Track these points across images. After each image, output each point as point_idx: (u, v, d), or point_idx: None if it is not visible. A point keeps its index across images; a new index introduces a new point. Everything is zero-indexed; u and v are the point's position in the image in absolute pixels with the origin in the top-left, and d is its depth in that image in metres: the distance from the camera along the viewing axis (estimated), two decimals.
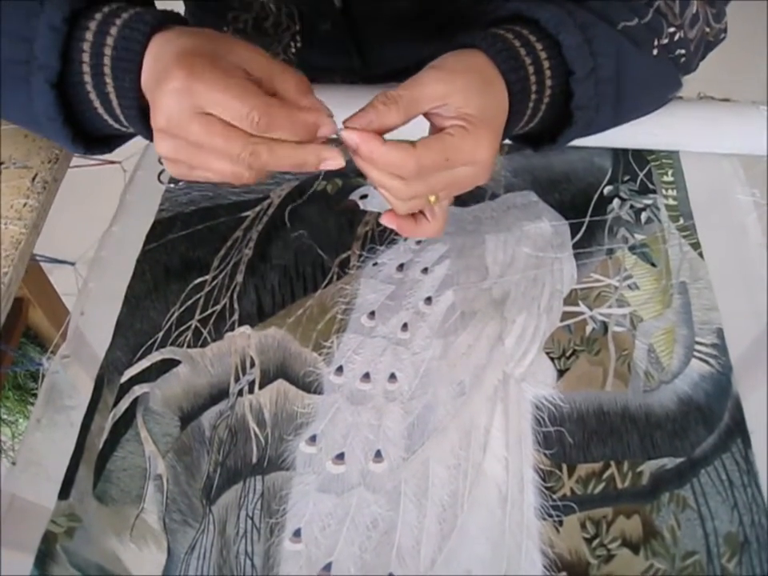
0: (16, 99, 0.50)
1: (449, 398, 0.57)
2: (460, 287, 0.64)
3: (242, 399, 0.58)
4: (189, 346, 0.61)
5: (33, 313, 0.93)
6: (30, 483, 0.55)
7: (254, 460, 0.55)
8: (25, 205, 0.62)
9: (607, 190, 0.70)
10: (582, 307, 0.63)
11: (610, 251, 0.66)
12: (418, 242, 0.67)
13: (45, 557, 0.51)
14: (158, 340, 0.61)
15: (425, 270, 0.65)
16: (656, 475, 0.54)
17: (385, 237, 0.67)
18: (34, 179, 0.64)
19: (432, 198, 0.50)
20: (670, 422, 0.56)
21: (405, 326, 0.61)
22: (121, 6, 0.49)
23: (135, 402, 0.58)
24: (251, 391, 0.58)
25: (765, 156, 0.70)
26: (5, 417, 0.99)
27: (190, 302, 0.63)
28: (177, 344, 0.61)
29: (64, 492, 0.54)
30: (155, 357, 0.60)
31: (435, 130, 0.50)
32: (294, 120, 0.44)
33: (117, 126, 0.51)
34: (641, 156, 0.73)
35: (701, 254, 0.66)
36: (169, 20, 0.49)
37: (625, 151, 0.73)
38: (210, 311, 0.63)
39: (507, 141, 0.71)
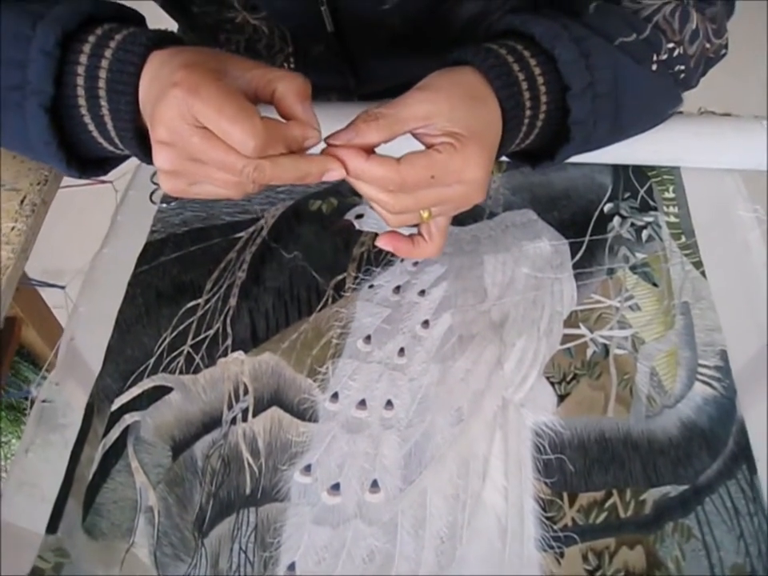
0: (11, 125, 0.49)
1: (447, 426, 0.56)
2: (458, 310, 0.62)
3: (235, 428, 0.57)
4: (181, 373, 0.60)
5: (26, 332, 0.92)
6: (23, 505, 0.54)
7: (248, 491, 0.54)
8: (13, 229, 0.61)
9: (607, 207, 0.69)
10: (583, 329, 0.61)
11: (611, 271, 0.65)
12: (415, 264, 0.65)
13: None
14: (150, 366, 0.60)
15: (422, 293, 0.63)
16: (659, 504, 0.52)
17: (381, 258, 0.66)
18: (22, 202, 0.62)
19: (425, 215, 0.49)
20: (673, 448, 0.55)
21: (401, 351, 0.60)
22: (114, 27, 0.48)
23: (126, 431, 0.57)
24: (245, 419, 0.57)
25: (767, 171, 0.69)
26: None
27: (182, 327, 0.62)
28: (169, 370, 0.60)
29: (52, 526, 0.53)
30: (147, 384, 0.59)
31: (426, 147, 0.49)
32: (287, 139, 0.44)
33: (111, 148, 0.50)
34: (641, 172, 0.72)
35: (703, 273, 0.64)
36: (164, 40, 0.48)
37: (625, 167, 0.72)
38: (202, 336, 0.62)
39: (504, 158, 0.71)
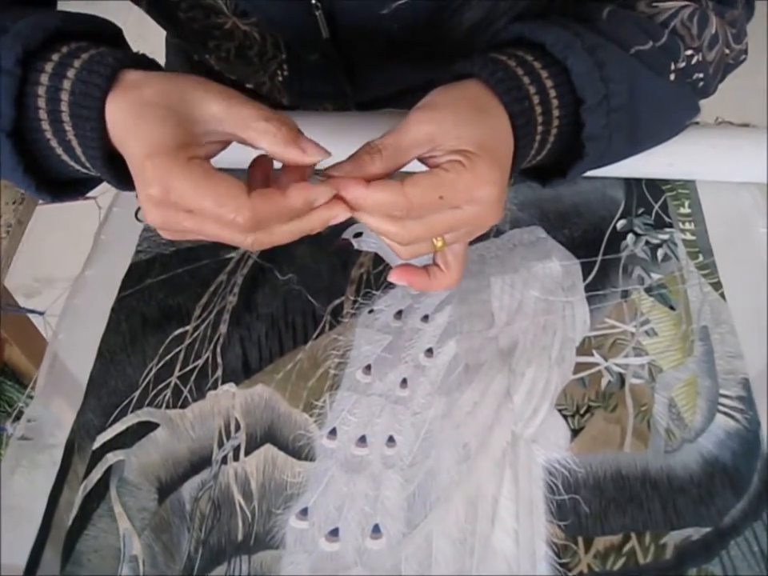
0: None
1: (453, 464, 0.52)
2: (463, 336, 0.59)
3: (226, 467, 0.53)
4: (168, 407, 0.56)
5: (9, 351, 0.88)
6: (8, 529, 0.51)
7: (240, 537, 0.50)
8: None
9: (620, 224, 0.65)
10: (597, 357, 0.58)
11: (625, 293, 0.61)
12: None
13: None
14: (135, 400, 0.56)
15: (425, 318, 0.60)
16: (681, 548, 0.49)
17: (381, 280, 0.62)
18: None
19: (438, 243, 0.46)
20: (694, 486, 0.51)
21: (404, 382, 0.56)
22: (82, 45, 0.44)
23: (108, 471, 0.53)
24: (236, 458, 0.53)
25: None
26: None
27: (169, 357, 0.58)
28: (155, 404, 0.56)
29: None
30: (131, 419, 0.55)
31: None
32: (281, 211, 0.41)
33: (85, 171, 0.46)
34: (655, 186, 0.68)
35: (722, 295, 0.61)
36: (134, 62, 0.44)
37: (638, 181, 0.68)
38: (190, 366, 0.58)
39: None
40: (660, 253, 0.63)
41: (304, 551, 0.49)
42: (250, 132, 0.41)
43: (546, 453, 0.53)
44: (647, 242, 0.64)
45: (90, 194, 0.59)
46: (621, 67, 0.50)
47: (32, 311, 0.59)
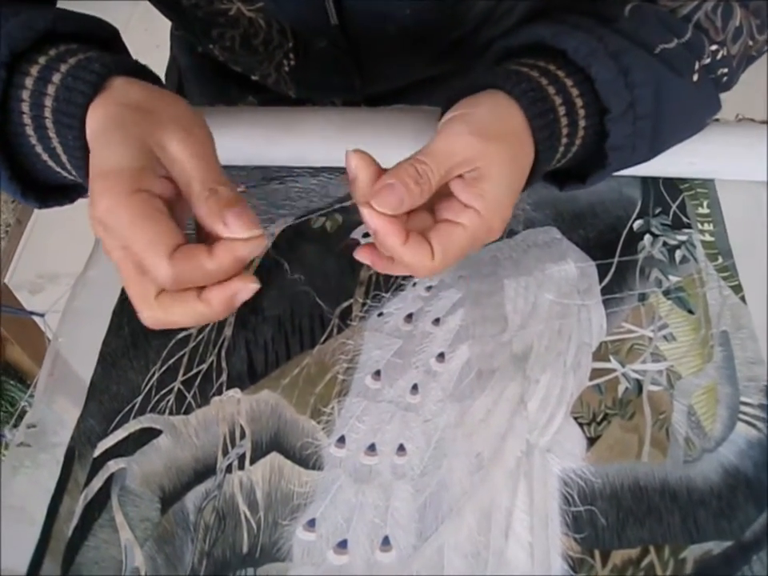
0: None
1: (465, 474, 0.51)
2: (476, 341, 0.57)
3: (230, 476, 0.51)
4: (171, 413, 0.54)
5: (11, 350, 0.87)
6: (10, 530, 0.50)
7: (245, 549, 0.49)
8: None
9: (637, 224, 0.63)
10: (614, 363, 0.56)
11: (643, 296, 0.59)
12: (428, 288, 0.60)
13: None
14: (137, 405, 0.55)
15: (436, 321, 0.58)
16: (701, 562, 0.47)
17: (391, 282, 0.60)
18: None
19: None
20: (714, 498, 0.50)
21: (414, 388, 0.54)
22: (71, 48, 0.42)
23: (110, 479, 0.52)
24: (241, 467, 0.52)
25: None
26: None
27: (172, 361, 0.57)
28: (158, 410, 0.54)
29: None
30: (133, 426, 0.54)
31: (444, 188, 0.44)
32: (205, 274, 0.37)
33: (72, 178, 0.44)
34: (673, 185, 0.66)
35: (743, 299, 0.59)
36: (122, 67, 0.42)
37: (655, 180, 0.66)
38: (194, 371, 0.56)
39: None
40: (678, 254, 0.61)
41: (311, 564, 0.48)
42: (186, 187, 0.39)
43: (561, 462, 0.51)
44: (665, 243, 0.62)
45: None
46: (646, 72, 0.48)
47: (32, 313, 0.57)
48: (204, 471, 0.52)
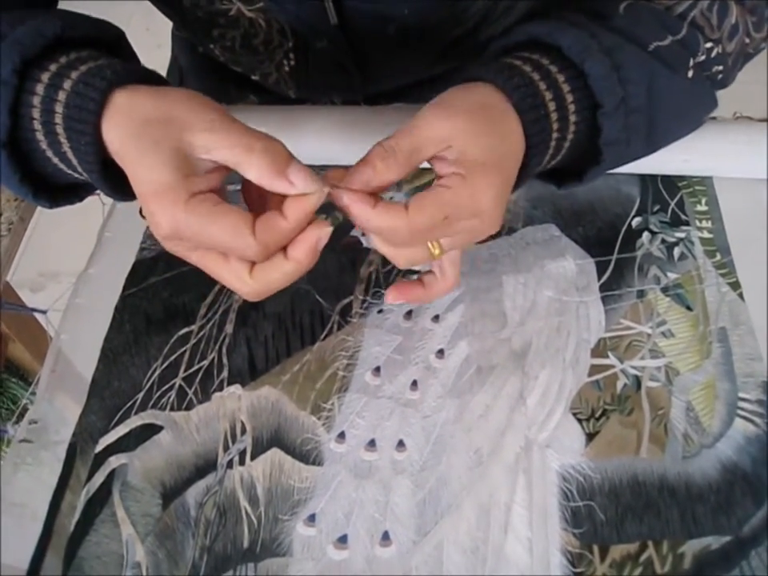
0: None
1: (464, 469, 0.51)
2: (475, 337, 0.57)
3: (231, 472, 0.52)
4: (172, 409, 0.55)
5: (13, 348, 0.87)
6: (11, 527, 0.50)
7: (246, 544, 0.49)
8: None
9: (636, 221, 0.64)
10: (612, 359, 0.56)
11: (641, 293, 0.59)
12: None
13: None
14: (138, 402, 0.55)
15: (436, 318, 0.58)
16: (699, 558, 0.47)
17: (391, 279, 0.60)
18: None
19: (435, 252, 0.44)
20: (713, 493, 0.50)
21: (414, 384, 0.55)
22: (81, 56, 0.42)
23: (111, 475, 0.52)
24: (242, 462, 0.52)
25: None
26: None
27: (173, 357, 0.57)
28: (159, 406, 0.55)
29: None
30: (134, 422, 0.54)
31: (435, 175, 0.44)
32: (285, 233, 0.41)
33: (83, 179, 0.45)
34: (671, 183, 0.66)
35: (741, 295, 0.59)
36: (131, 74, 0.42)
37: (653, 177, 0.67)
38: (196, 367, 0.56)
39: None
40: (676, 251, 0.62)
41: (311, 559, 0.48)
42: (236, 164, 0.40)
43: (560, 458, 0.51)
44: (663, 241, 0.62)
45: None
46: (639, 68, 0.48)
47: (35, 310, 0.57)
48: (205, 467, 0.52)
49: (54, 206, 0.47)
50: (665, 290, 0.60)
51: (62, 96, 0.40)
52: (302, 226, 0.41)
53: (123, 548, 0.49)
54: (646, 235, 0.63)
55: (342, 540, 0.48)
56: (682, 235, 0.63)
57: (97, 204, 0.72)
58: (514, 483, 0.50)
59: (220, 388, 0.55)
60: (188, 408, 0.55)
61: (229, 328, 0.58)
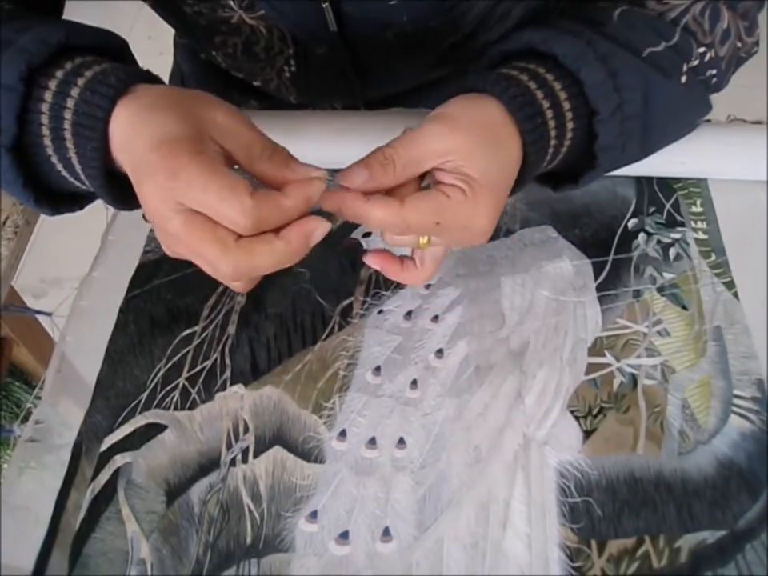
0: None
1: (464, 466, 0.52)
2: (474, 337, 0.58)
3: (234, 470, 0.52)
4: (176, 408, 0.55)
5: (17, 351, 0.88)
6: (15, 531, 0.51)
7: (249, 541, 0.50)
8: None
9: (632, 223, 0.65)
10: (609, 358, 0.57)
11: (637, 293, 0.60)
12: (427, 286, 0.61)
13: None
14: (142, 401, 0.56)
15: (435, 318, 0.59)
16: (696, 552, 0.48)
17: (391, 281, 0.61)
18: (4, 223, 0.58)
19: (423, 240, 0.45)
20: (708, 488, 0.51)
21: (414, 383, 0.56)
22: (86, 61, 0.43)
23: (116, 473, 0.53)
24: (245, 460, 0.53)
25: None
26: None
27: (177, 358, 0.58)
28: (163, 406, 0.55)
29: None
30: (139, 421, 0.55)
31: (433, 181, 0.45)
32: (283, 212, 0.40)
33: (84, 187, 0.46)
34: (666, 184, 0.67)
35: (736, 295, 0.60)
36: (138, 79, 0.43)
37: (649, 179, 0.68)
38: (199, 368, 0.57)
39: None
40: (672, 252, 0.63)
41: (314, 554, 0.49)
42: (247, 155, 0.41)
43: (558, 455, 0.52)
44: (659, 241, 0.63)
45: None
46: (634, 74, 0.49)
47: (40, 312, 0.58)
48: (208, 465, 0.53)
49: (55, 213, 0.48)
50: (660, 289, 0.60)
51: (70, 103, 0.41)
52: (300, 210, 0.41)
53: (128, 545, 0.50)
54: (641, 236, 0.64)
55: (344, 536, 0.49)
56: (678, 236, 0.64)
57: (97, 210, 0.73)
58: (513, 480, 0.51)
59: (223, 388, 0.56)
60: (191, 407, 0.55)
61: (231, 329, 0.59)
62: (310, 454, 0.53)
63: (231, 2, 0.59)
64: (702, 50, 0.54)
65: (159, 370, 0.57)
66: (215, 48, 0.67)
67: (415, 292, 0.61)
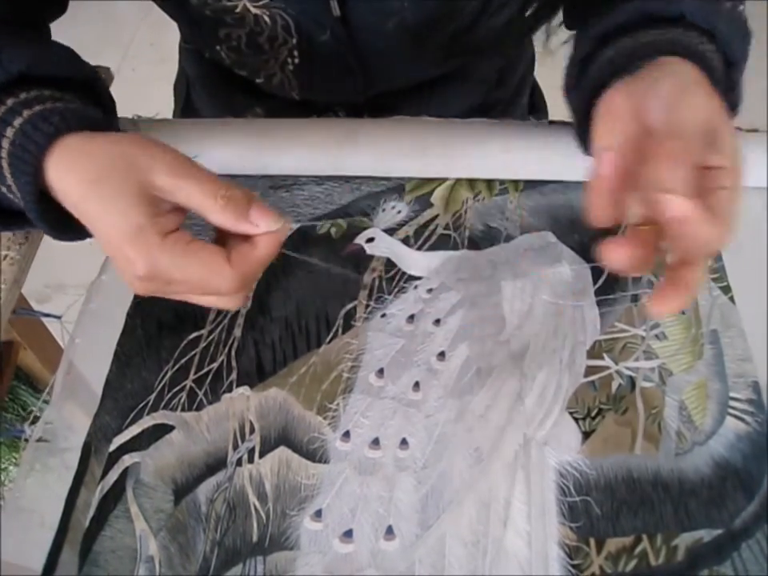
0: None
1: (465, 466, 0.53)
2: (475, 340, 0.59)
3: (240, 469, 0.53)
4: (183, 410, 0.56)
5: (23, 355, 0.89)
6: (21, 533, 0.51)
7: (255, 538, 0.51)
8: (5, 257, 0.57)
9: None
10: (607, 361, 0.58)
11: (635, 297, 0.61)
12: (429, 291, 0.62)
13: None
14: (150, 402, 0.57)
15: (437, 322, 0.60)
16: (692, 550, 0.49)
17: (393, 285, 0.63)
18: None
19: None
20: (705, 488, 0.52)
21: (416, 385, 0.57)
22: (42, 95, 0.44)
23: (125, 473, 0.54)
24: (251, 460, 0.54)
25: None
26: None
27: (184, 360, 0.59)
28: (170, 407, 0.57)
29: None
30: (147, 422, 0.56)
31: None
32: (260, 264, 0.44)
33: None
34: None
35: (732, 299, 0.61)
36: (85, 123, 0.44)
37: None
38: (205, 370, 0.58)
39: (524, 178, 0.67)
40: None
41: (318, 552, 0.50)
42: (200, 209, 0.42)
43: (557, 455, 0.53)
44: None
45: None
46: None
47: (49, 315, 0.59)
48: (215, 464, 0.54)
49: (6, 230, 0.49)
50: None
51: (9, 132, 0.42)
52: (274, 253, 0.43)
53: (137, 542, 0.51)
54: None
55: (348, 534, 0.50)
56: None
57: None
58: (513, 479, 0.52)
59: (229, 389, 0.57)
60: (198, 408, 0.57)
61: (237, 332, 0.61)
62: (314, 454, 0.54)
63: None
64: None
65: (167, 372, 0.58)
66: (219, 42, 0.68)
67: (417, 296, 0.62)
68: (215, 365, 0.59)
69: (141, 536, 0.51)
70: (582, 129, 0.54)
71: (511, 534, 0.50)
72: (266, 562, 0.50)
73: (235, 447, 0.55)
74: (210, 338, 0.60)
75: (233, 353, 0.59)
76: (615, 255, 0.42)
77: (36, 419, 0.56)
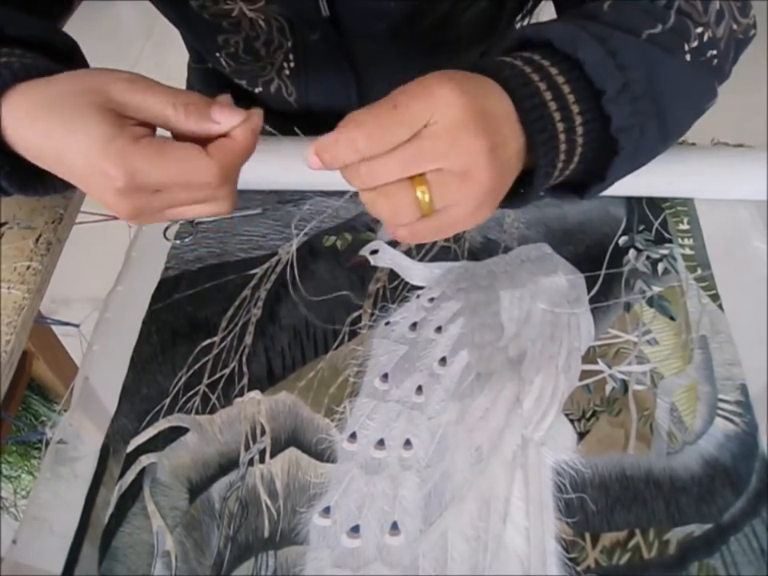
0: None
1: (466, 465, 0.55)
2: (475, 347, 0.62)
3: (252, 469, 0.56)
4: (197, 413, 0.59)
5: (36, 366, 0.92)
6: (34, 540, 0.53)
7: (266, 534, 0.53)
8: (28, 268, 0.60)
9: (622, 240, 0.69)
10: (601, 365, 0.61)
11: (628, 305, 0.64)
12: (431, 300, 0.65)
13: None
14: (165, 406, 0.60)
15: (438, 329, 0.63)
16: (683, 543, 0.52)
17: (397, 294, 0.65)
18: (37, 240, 0.62)
19: (424, 198, 0.42)
20: (695, 485, 0.54)
21: (419, 389, 0.59)
22: (4, 51, 0.45)
23: (142, 472, 0.56)
24: (262, 460, 0.56)
25: None
26: (6, 473, 0.96)
27: (197, 366, 0.62)
28: (185, 410, 0.59)
29: (67, 571, 0.52)
30: (162, 424, 0.59)
31: None
32: (240, 154, 0.43)
33: None
34: (655, 204, 0.72)
35: (720, 306, 0.64)
36: (42, 69, 0.44)
37: (638, 199, 0.72)
38: (218, 375, 0.61)
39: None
40: (660, 267, 0.67)
41: (327, 547, 0.52)
42: (164, 120, 0.42)
43: (554, 455, 0.56)
44: (648, 257, 0.67)
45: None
46: (634, 52, 0.47)
47: (68, 324, 0.62)
48: (228, 465, 0.56)
49: None
50: (650, 301, 0.64)
51: None
52: (252, 144, 0.43)
53: (154, 538, 0.53)
54: (632, 252, 0.68)
55: (355, 530, 0.53)
56: (666, 252, 0.68)
57: (99, 233, 0.77)
58: (512, 478, 0.55)
59: (241, 393, 0.60)
60: (211, 412, 0.59)
61: (248, 339, 0.63)
62: (322, 454, 0.56)
63: None
64: (699, 30, 0.52)
65: (181, 377, 0.61)
66: (219, 49, 0.71)
67: (419, 305, 0.65)
68: (227, 370, 0.61)
69: (157, 532, 0.53)
70: None
71: (510, 529, 0.53)
72: (277, 557, 0.52)
73: (247, 448, 0.57)
74: (223, 344, 0.63)
75: (244, 359, 0.62)
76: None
77: (53, 425, 0.59)
